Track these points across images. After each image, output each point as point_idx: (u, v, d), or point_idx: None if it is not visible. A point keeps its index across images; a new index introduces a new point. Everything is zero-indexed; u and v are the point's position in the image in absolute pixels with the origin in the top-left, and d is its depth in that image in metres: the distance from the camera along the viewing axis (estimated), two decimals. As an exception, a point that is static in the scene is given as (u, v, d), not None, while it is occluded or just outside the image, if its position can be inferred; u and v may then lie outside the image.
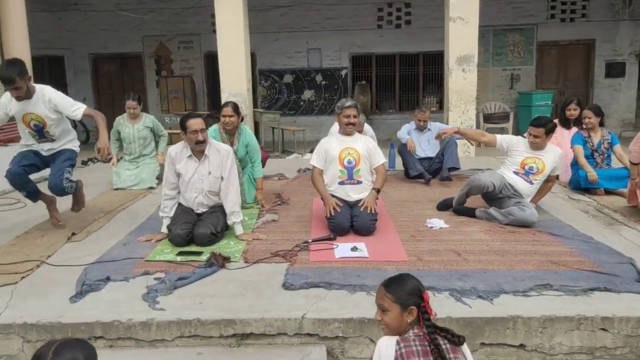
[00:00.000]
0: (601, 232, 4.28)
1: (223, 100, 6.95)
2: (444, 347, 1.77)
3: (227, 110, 5.05)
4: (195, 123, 4.04)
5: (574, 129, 6.14)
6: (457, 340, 1.78)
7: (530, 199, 4.66)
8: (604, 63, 12.13)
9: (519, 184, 4.61)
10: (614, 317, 2.81)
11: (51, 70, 12.55)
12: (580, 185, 5.68)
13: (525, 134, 4.90)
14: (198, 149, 4.11)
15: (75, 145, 4.52)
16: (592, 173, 5.55)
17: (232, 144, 5.04)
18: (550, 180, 4.75)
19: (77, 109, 4.23)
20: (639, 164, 4.66)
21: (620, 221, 4.63)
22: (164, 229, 4.18)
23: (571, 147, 5.83)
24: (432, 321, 1.81)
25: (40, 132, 4.30)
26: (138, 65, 12.83)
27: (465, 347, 1.83)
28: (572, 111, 6.28)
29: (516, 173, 4.64)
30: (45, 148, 4.39)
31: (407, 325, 1.82)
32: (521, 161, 4.63)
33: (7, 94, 4.17)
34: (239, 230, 4.19)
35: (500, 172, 4.74)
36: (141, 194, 5.93)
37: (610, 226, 4.49)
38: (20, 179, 4.27)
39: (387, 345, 1.82)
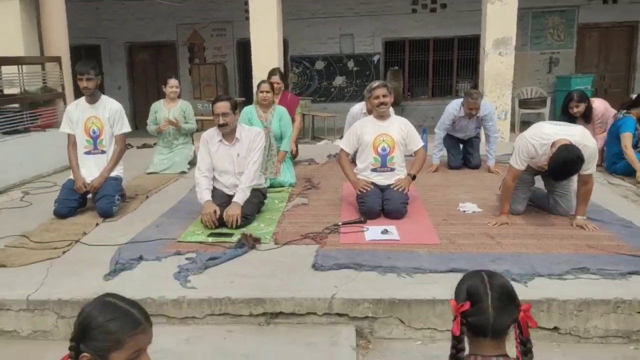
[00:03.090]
0: (642, 217, 4.13)
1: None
2: None
3: (265, 86, 5.57)
4: (219, 107, 4.11)
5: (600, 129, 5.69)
6: None
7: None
8: (648, 46, 11.64)
9: None
10: (654, 301, 2.71)
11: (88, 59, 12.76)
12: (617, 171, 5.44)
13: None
14: (221, 132, 4.20)
15: (120, 171, 4.71)
16: None
17: (265, 119, 5.48)
18: (587, 181, 3.80)
19: (125, 129, 4.66)
20: None
21: (663, 206, 4.46)
22: (208, 197, 4.13)
23: (620, 134, 5.34)
24: None
25: (95, 140, 4.60)
26: (172, 54, 12.97)
27: None
28: (575, 109, 5.66)
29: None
30: (94, 173, 4.54)
31: None
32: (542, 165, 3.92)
33: (75, 102, 4.70)
34: (237, 197, 4.11)
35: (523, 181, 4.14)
36: (173, 178, 6.00)
37: (652, 211, 4.33)
38: (67, 216, 4.46)
39: None
